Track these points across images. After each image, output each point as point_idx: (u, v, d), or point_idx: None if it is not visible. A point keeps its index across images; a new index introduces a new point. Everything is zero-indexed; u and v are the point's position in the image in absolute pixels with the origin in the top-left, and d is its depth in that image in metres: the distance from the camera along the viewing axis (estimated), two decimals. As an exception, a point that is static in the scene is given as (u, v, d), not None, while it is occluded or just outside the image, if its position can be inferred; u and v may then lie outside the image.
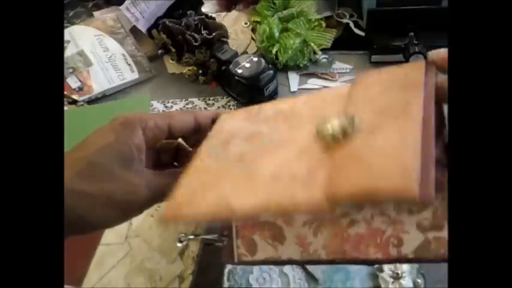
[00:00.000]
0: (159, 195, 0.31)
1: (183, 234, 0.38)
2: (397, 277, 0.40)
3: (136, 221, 0.45)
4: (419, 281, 0.41)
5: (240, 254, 0.32)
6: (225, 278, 0.40)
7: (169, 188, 0.30)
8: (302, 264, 0.31)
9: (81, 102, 0.61)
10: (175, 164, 0.38)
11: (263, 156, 0.28)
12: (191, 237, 0.38)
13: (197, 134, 0.36)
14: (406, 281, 0.40)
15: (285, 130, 0.29)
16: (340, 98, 0.29)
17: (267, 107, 0.33)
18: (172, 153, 0.38)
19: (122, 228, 0.45)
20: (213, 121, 0.35)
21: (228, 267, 0.40)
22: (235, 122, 0.33)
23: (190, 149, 0.37)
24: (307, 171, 0.25)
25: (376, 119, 0.24)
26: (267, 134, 0.30)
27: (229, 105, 0.60)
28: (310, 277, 0.41)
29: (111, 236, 0.45)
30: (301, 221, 0.29)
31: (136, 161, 0.31)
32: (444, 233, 0.26)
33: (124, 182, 0.30)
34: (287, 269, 0.41)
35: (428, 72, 0.27)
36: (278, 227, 0.30)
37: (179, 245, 0.38)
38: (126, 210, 0.30)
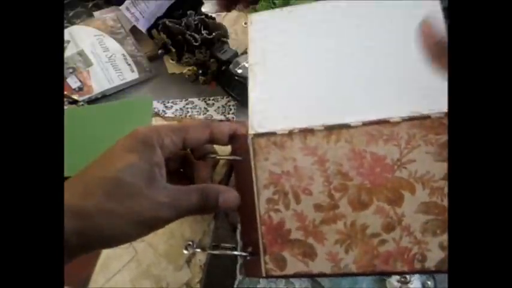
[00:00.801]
0: (182, 211, 0.32)
1: (189, 242, 0.38)
2: (405, 281, 0.40)
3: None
4: (429, 282, 0.40)
5: (269, 269, 0.33)
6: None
7: (193, 205, 0.32)
8: (333, 276, 0.33)
9: (82, 103, 0.61)
10: (181, 170, 0.39)
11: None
12: (198, 250, 0.37)
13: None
14: (414, 285, 0.40)
15: None
16: None
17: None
18: (179, 161, 0.38)
19: (128, 231, 0.44)
20: (231, 137, 0.36)
21: (239, 277, 0.39)
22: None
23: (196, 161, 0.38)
24: None
25: None
26: None
27: (229, 105, 0.60)
28: (317, 284, 0.40)
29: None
30: (333, 240, 0.32)
31: (158, 178, 0.32)
32: None
33: (150, 201, 0.31)
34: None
35: None
36: (309, 245, 0.32)
37: (186, 252, 0.38)
38: (152, 226, 0.32)
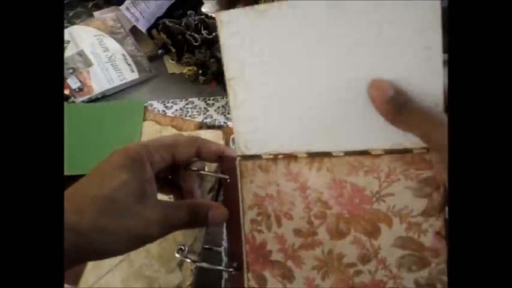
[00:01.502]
0: (172, 227, 0.33)
1: (181, 247, 0.38)
2: None
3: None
4: None
5: (251, 286, 0.34)
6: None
7: (182, 220, 0.33)
8: None
9: (72, 99, 0.62)
10: (170, 177, 0.39)
11: None
12: (188, 260, 0.38)
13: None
14: None
15: None
16: None
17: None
18: (168, 170, 0.39)
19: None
20: (220, 157, 0.37)
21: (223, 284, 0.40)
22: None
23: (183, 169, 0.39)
24: None
25: None
26: None
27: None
28: None
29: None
30: (311, 265, 0.32)
31: (150, 195, 0.33)
32: None
33: (141, 219, 0.32)
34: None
35: None
36: (288, 268, 0.33)
37: (178, 256, 0.38)
38: (142, 243, 0.33)
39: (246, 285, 0.34)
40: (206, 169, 0.41)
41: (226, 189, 0.36)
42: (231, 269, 0.35)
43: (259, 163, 0.34)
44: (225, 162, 0.37)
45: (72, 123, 0.56)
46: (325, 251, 0.32)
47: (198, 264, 0.37)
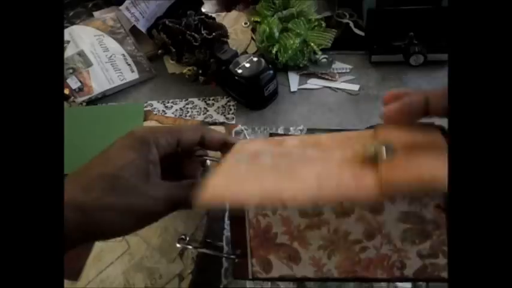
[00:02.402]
0: (175, 205, 0.34)
1: (182, 236, 0.39)
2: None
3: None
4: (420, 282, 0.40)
5: (255, 271, 0.34)
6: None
7: (184, 199, 0.34)
8: (316, 281, 0.34)
9: (72, 99, 0.61)
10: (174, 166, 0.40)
11: (301, 167, 0.31)
12: (189, 247, 0.39)
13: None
14: (403, 284, 0.40)
15: (315, 153, 0.33)
16: (364, 137, 0.33)
17: (290, 138, 0.36)
18: (170, 161, 0.40)
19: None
20: (222, 146, 0.38)
21: (224, 282, 0.40)
22: (257, 145, 0.36)
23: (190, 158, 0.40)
24: (352, 175, 0.29)
25: (409, 151, 0.28)
26: (297, 154, 0.33)
27: (229, 105, 0.60)
28: (303, 287, 0.41)
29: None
30: (317, 245, 0.33)
31: (154, 175, 0.34)
32: (438, 260, 0.31)
33: (146, 197, 0.32)
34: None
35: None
36: (294, 249, 0.33)
37: (179, 245, 0.39)
38: (145, 220, 0.33)
39: (250, 271, 0.34)
40: (209, 162, 0.41)
41: None
42: (233, 256, 0.36)
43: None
44: (229, 149, 0.38)
45: (73, 125, 0.56)
46: (331, 229, 0.32)
47: (200, 250, 0.37)
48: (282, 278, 0.34)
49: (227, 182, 0.32)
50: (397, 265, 0.32)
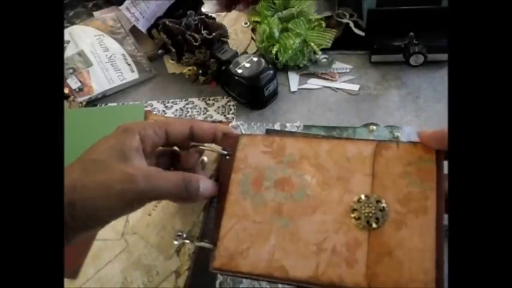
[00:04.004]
0: (159, 189, 0.33)
1: (179, 233, 0.39)
2: None
3: (133, 218, 0.45)
4: None
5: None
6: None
7: (171, 184, 0.34)
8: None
9: (72, 98, 0.61)
10: (172, 169, 0.41)
11: (300, 216, 0.34)
12: (187, 241, 0.39)
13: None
14: None
15: (314, 185, 0.35)
16: (364, 161, 0.35)
17: (290, 145, 0.38)
18: (169, 158, 0.41)
19: (118, 224, 0.45)
20: (214, 137, 0.39)
21: (219, 278, 0.41)
22: (258, 156, 0.38)
23: (183, 153, 0.41)
24: (346, 247, 0.32)
25: (401, 210, 0.32)
26: (297, 185, 0.36)
27: (229, 105, 0.60)
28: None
29: (107, 232, 0.45)
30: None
31: (134, 159, 0.34)
32: None
33: (119, 173, 0.32)
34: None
35: (439, 163, 0.33)
36: None
37: (176, 243, 0.39)
38: (124, 198, 0.32)
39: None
40: (206, 159, 0.42)
41: (222, 170, 0.38)
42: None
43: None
44: (226, 139, 0.39)
45: (74, 127, 0.56)
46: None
47: (197, 243, 0.38)
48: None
49: (236, 247, 0.34)
50: None
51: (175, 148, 0.41)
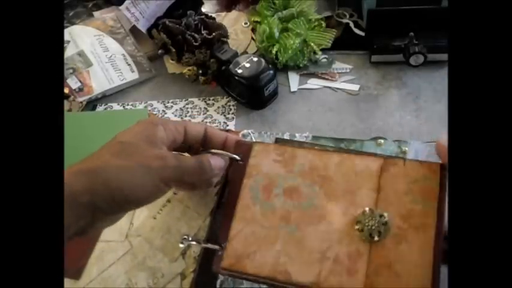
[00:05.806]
0: (186, 166, 0.36)
1: (185, 236, 0.40)
2: None
3: (138, 221, 0.45)
4: None
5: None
6: (218, 288, 0.41)
7: (191, 162, 0.36)
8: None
9: (72, 98, 0.61)
10: None
11: (307, 224, 0.35)
12: (193, 242, 0.40)
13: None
14: None
15: (321, 196, 0.36)
16: (371, 176, 0.36)
17: (301, 155, 0.39)
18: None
19: (122, 226, 0.45)
20: (225, 144, 0.41)
21: (220, 278, 0.41)
22: (270, 164, 0.39)
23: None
24: (348, 257, 0.33)
25: (403, 226, 0.33)
26: (305, 194, 0.37)
27: (229, 105, 0.60)
28: None
29: (110, 233, 0.45)
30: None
31: (160, 144, 0.36)
32: None
33: (154, 153, 0.35)
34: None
35: (443, 182, 0.34)
36: None
37: (182, 245, 0.39)
38: (162, 176, 0.34)
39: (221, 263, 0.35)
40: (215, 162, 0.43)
41: (234, 172, 0.39)
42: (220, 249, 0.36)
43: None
44: (240, 146, 0.41)
45: (77, 131, 0.56)
46: None
47: (204, 245, 0.39)
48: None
49: (244, 249, 0.35)
50: None
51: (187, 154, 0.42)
